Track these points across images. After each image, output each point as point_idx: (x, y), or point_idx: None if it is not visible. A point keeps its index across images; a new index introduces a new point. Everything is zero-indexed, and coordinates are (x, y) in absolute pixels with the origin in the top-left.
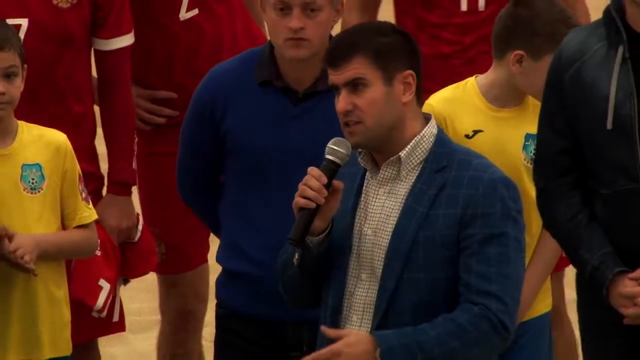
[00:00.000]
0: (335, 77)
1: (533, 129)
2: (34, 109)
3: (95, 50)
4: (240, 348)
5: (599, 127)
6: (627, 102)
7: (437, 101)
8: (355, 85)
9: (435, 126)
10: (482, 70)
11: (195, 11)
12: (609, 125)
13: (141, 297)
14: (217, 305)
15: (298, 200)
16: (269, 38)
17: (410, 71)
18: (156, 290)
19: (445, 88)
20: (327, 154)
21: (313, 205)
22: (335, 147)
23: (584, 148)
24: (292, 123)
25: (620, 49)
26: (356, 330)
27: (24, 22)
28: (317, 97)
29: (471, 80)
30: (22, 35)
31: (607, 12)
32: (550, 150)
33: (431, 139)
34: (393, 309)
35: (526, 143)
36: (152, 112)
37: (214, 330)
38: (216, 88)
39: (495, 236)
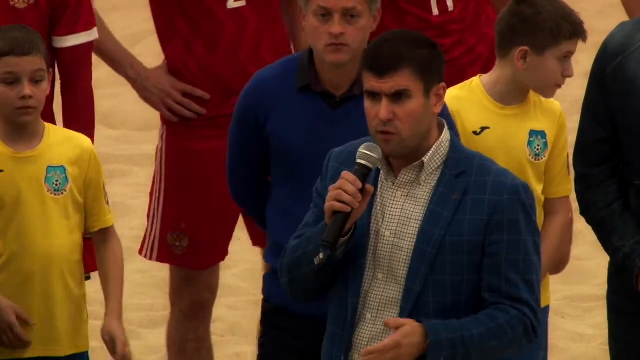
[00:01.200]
0: (379, 85)
1: (536, 125)
2: None
3: (54, 49)
4: (284, 341)
5: (638, 119)
6: None
7: (446, 99)
8: (399, 95)
9: (449, 132)
10: None
11: (243, 2)
12: None
13: (153, 293)
14: (264, 301)
15: (333, 204)
16: (304, 45)
17: (443, 84)
18: (167, 287)
19: (453, 87)
20: (359, 159)
21: (349, 209)
22: (368, 152)
23: (621, 138)
24: (331, 126)
25: None
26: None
27: None
28: (353, 100)
29: (476, 80)
30: None
31: None
32: (589, 139)
33: (447, 145)
34: (418, 309)
35: (530, 139)
36: (182, 104)
37: (223, 326)
38: (259, 94)
39: (520, 242)
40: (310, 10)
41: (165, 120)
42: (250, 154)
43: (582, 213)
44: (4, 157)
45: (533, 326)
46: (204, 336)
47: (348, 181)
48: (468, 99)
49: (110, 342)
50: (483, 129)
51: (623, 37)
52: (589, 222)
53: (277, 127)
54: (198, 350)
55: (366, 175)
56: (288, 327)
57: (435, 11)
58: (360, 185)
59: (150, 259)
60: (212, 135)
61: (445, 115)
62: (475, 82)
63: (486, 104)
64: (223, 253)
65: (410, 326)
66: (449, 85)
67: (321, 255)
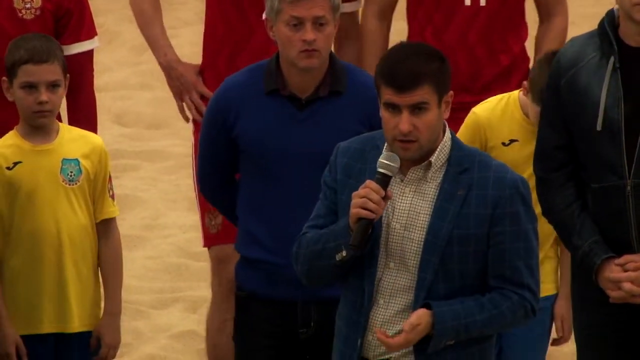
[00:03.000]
0: (400, 99)
1: None
2: (8, 111)
3: None
4: (256, 326)
5: (590, 128)
6: (615, 107)
7: (482, 110)
8: (418, 108)
9: (449, 131)
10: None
11: None
12: (599, 127)
13: (162, 277)
14: (237, 288)
15: (359, 212)
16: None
17: (451, 92)
18: (175, 272)
19: (491, 99)
20: (381, 168)
21: (374, 216)
22: (388, 162)
23: (576, 145)
24: (297, 127)
25: (612, 60)
26: (419, 320)
27: None
28: (318, 102)
29: (514, 94)
30: None
31: (602, 24)
32: (548, 146)
33: (449, 143)
34: (429, 295)
35: None
36: (195, 104)
37: None
38: (227, 99)
39: (521, 232)
40: (282, 21)
41: (193, 120)
42: (220, 154)
43: (544, 214)
44: (23, 150)
45: (532, 307)
46: None
47: (372, 190)
48: (503, 111)
49: (96, 341)
50: (512, 141)
51: (574, 52)
52: (550, 222)
53: (246, 128)
54: None
55: (387, 183)
56: (259, 312)
57: (467, 2)
58: (383, 193)
59: (203, 246)
60: None
61: None
62: (513, 97)
63: (518, 118)
64: None
65: (423, 325)
66: None
67: (344, 253)
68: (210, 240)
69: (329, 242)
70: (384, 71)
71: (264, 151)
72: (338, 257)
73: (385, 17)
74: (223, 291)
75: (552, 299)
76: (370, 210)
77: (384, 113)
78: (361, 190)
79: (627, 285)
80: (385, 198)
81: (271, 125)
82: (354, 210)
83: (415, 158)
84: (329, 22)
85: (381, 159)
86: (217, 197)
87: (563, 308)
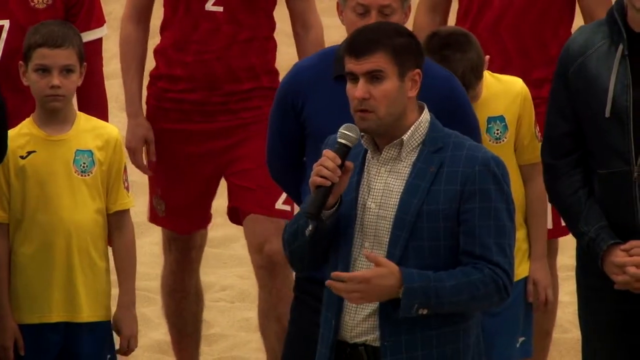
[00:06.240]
0: (356, 66)
1: (493, 112)
2: (19, 98)
3: None
4: (312, 305)
5: (599, 114)
6: (624, 94)
7: None
8: (374, 76)
9: (429, 113)
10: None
11: (220, 8)
12: (607, 114)
13: None
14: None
15: (315, 179)
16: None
17: (418, 70)
18: None
19: None
20: (340, 138)
21: (328, 183)
22: (347, 132)
23: (585, 132)
24: None
25: (621, 47)
26: (386, 264)
27: (6, 23)
28: None
29: None
30: (4, 35)
31: (610, 12)
32: (556, 133)
33: (426, 125)
34: None
35: (489, 126)
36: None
37: (233, 293)
38: (297, 81)
39: (492, 209)
40: (349, 7)
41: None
42: (287, 136)
43: (551, 201)
44: (38, 139)
45: (505, 286)
46: (188, 287)
47: (328, 158)
48: None
49: (117, 333)
50: None
51: (583, 40)
52: (557, 209)
53: (313, 112)
54: (184, 297)
55: (346, 152)
56: (314, 292)
57: None
58: (339, 161)
59: (148, 220)
60: (180, 118)
61: (473, 121)
62: None
63: None
64: (200, 222)
65: (388, 269)
66: None
67: (310, 227)
68: (156, 219)
69: (299, 220)
70: (347, 41)
71: (327, 135)
72: (307, 232)
73: (437, 12)
74: (172, 264)
75: (524, 282)
76: (325, 177)
77: (347, 85)
78: (319, 160)
79: (631, 269)
80: (345, 169)
81: (335, 110)
82: (311, 179)
83: (374, 130)
84: (396, 11)
85: (340, 129)
86: (283, 178)
87: (536, 271)
